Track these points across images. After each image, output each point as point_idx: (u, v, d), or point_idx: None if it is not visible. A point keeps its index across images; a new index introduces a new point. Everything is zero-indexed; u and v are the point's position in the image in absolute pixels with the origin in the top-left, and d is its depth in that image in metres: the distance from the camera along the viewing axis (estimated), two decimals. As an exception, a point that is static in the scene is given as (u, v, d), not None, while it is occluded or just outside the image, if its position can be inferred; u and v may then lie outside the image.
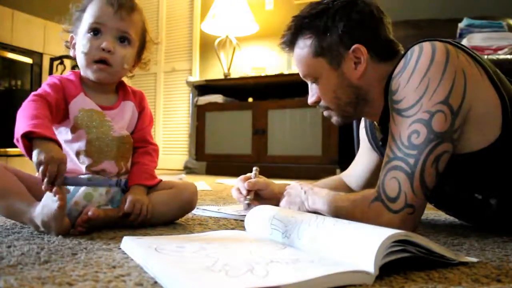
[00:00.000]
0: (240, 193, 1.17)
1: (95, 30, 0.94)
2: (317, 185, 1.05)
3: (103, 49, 0.93)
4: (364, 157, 1.23)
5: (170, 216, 1.01)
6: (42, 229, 0.83)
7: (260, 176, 1.20)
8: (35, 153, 0.75)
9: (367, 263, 0.54)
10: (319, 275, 0.51)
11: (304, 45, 0.98)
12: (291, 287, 0.48)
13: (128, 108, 1.03)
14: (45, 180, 0.75)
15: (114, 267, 0.60)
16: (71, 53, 1.01)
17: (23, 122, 0.79)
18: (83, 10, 0.97)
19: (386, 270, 0.56)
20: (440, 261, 0.62)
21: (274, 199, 1.15)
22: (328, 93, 0.98)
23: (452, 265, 0.63)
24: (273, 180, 1.20)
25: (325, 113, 1.03)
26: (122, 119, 1.01)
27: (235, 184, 1.19)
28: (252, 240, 0.76)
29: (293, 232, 0.71)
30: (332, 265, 0.55)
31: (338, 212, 0.88)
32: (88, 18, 0.95)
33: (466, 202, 0.93)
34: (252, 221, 0.85)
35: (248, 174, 1.20)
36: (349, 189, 1.22)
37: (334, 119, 1.02)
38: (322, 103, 1.01)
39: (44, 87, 0.92)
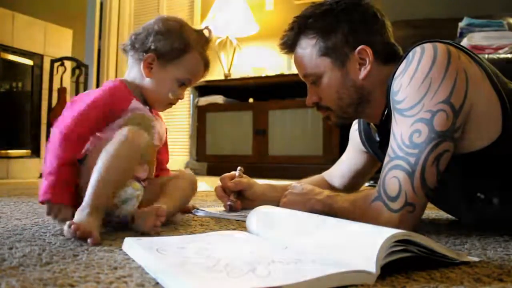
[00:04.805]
0: (225, 192, 1.17)
1: (185, 83, 1.04)
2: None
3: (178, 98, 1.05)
4: (352, 158, 1.24)
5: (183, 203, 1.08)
6: None
7: (244, 176, 1.20)
8: (47, 208, 0.90)
9: (369, 263, 0.54)
10: (321, 275, 0.51)
11: (307, 45, 0.97)
12: (292, 287, 0.48)
13: (162, 125, 1.08)
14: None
15: (115, 268, 0.60)
16: (141, 70, 1.00)
17: (47, 169, 0.89)
18: (185, 51, 1.00)
19: (388, 270, 0.56)
20: (442, 261, 0.62)
21: (257, 200, 1.15)
22: (331, 93, 0.97)
23: (454, 264, 0.63)
24: (273, 181, 1.20)
25: (324, 113, 1.02)
26: (157, 131, 1.05)
27: (219, 182, 1.19)
28: (254, 240, 0.76)
29: (294, 232, 0.71)
30: (334, 265, 0.55)
31: (339, 212, 0.88)
32: (185, 67, 1.01)
33: (468, 202, 0.93)
34: (254, 221, 0.85)
35: (232, 173, 1.19)
36: (331, 188, 1.22)
37: (333, 120, 1.02)
38: (322, 103, 1.00)
39: (88, 110, 0.92)
